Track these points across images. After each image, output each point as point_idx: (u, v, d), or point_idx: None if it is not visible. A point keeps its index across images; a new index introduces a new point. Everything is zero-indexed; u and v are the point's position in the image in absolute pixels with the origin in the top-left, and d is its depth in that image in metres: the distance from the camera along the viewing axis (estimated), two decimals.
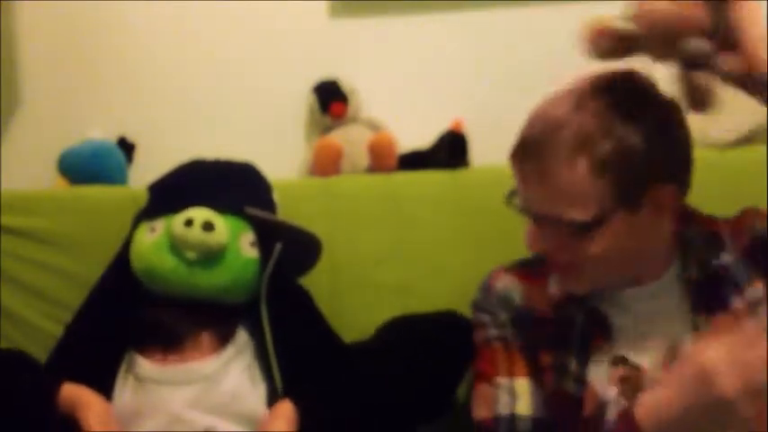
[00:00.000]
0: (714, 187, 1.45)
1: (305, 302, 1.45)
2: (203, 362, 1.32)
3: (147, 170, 1.67)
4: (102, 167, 1.70)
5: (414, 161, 1.68)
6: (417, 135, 1.71)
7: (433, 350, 1.35)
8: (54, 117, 1.83)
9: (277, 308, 1.36)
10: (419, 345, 1.36)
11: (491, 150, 1.64)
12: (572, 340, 1.24)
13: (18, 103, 1.83)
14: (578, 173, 1.13)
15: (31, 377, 1.31)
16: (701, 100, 1.12)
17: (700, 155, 1.55)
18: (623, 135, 1.12)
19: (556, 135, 1.13)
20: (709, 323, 1.20)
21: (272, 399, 1.32)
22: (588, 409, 1.21)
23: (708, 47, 1.06)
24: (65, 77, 1.83)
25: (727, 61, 1.06)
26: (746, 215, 1.27)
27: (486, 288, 1.34)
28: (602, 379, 1.21)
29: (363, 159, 1.71)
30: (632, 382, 1.21)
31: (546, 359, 1.26)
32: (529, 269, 1.33)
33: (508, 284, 1.32)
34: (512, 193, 1.21)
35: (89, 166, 1.69)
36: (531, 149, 1.16)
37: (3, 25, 1.81)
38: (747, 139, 1.56)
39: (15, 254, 1.57)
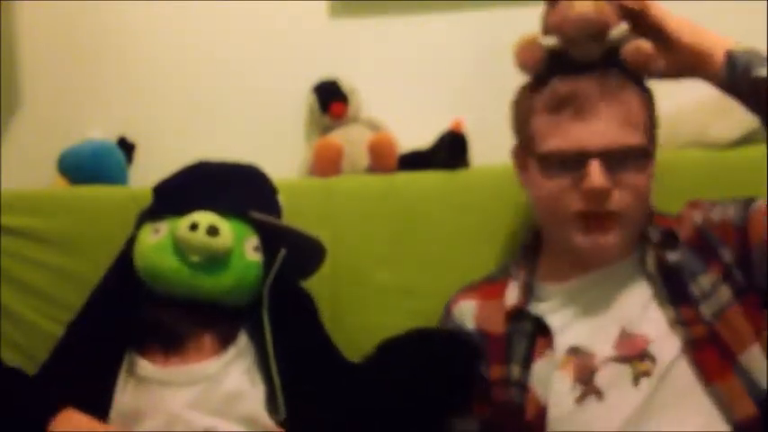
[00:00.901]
0: (714, 187, 1.45)
1: (307, 306, 1.44)
2: (204, 363, 1.32)
3: (147, 170, 1.67)
4: (102, 167, 1.70)
5: (414, 161, 1.68)
6: (417, 135, 1.70)
7: (436, 361, 1.34)
8: (54, 117, 1.83)
9: (278, 312, 1.36)
10: (422, 354, 1.34)
11: (491, 150, 1.64)
12: (518, 349, 1.29)
13: (18, 103, 1.83)
14: (637, 100, 1.25)
15: (22, 403, 1.27)
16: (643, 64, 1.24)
17: (700, 155, 1.56)
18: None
19: (605, 74, 1.23)
20: (678, 313, 1.24)
21: (271, 401, 1.32)
22: (530, 414, 1.25)
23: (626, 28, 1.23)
24: (65, 77, 1.83)
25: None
26: (688, 208, 1.33)
27: (446, 314, 1.41)
28: (543, 384, 1.25)
29: (363, 159, 1.71)
30: (587, 369, 1.24)
31: (495, 373, 1.31)
32: (490, 284, 1.40)
33: (464, 309, 1.39)
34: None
35: (89, 166, 1.69)
36: (584, 92, 1.23)
37: (3, 25, 1.81)
38: (747, 139, 1.56)
39: (15, 254, 1.57)
